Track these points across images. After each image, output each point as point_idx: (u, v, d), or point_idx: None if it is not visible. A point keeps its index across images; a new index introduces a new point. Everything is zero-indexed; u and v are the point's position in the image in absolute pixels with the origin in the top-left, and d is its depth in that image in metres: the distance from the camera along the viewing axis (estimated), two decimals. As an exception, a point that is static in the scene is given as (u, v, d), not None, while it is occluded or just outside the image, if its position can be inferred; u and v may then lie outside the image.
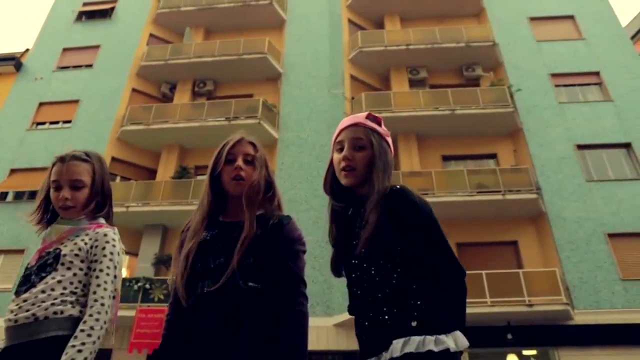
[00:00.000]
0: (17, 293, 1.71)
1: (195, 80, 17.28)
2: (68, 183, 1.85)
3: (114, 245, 1.81)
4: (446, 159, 15.28)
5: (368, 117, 1.73)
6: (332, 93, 15.82)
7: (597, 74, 15.97)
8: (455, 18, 18.45)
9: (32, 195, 15.42)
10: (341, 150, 1.69)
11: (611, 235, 12.94)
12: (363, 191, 1.66)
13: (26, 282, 1.72)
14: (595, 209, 13.36)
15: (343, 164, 1.67)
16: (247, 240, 1.61)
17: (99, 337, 1.60)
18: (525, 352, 12.51)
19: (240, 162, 1.74)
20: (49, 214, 1.90)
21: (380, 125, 1.73)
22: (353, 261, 1.61)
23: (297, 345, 1.50)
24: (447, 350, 1.36)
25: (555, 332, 11.80)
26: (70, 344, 1.56)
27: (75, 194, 1.85)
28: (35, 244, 12.67)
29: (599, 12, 17.55)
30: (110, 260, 1.77)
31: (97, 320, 1.62)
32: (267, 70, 17.04)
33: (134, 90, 17.06)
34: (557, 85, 15.83)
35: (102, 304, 1.67)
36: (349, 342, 12.21)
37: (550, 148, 14.49)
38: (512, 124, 15.07)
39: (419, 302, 1.44)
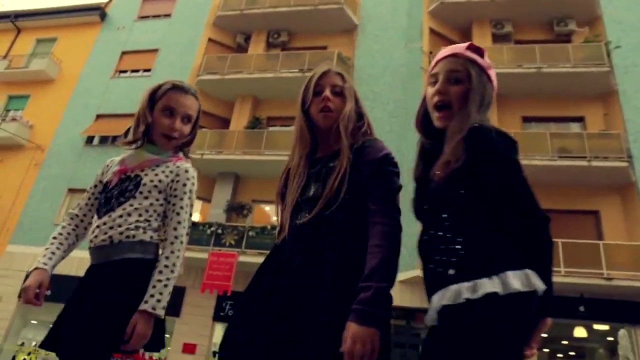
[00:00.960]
0: (98, 214, 1.82)
1: (269, 30, 17.19)
2: (182, 114, 1.87)
3: (193, 183, 1.86)
4: (527, 120, 14.38)
5: (469, 47, 1.54)
6: (409, 47, 15.20)
7: None
8: (549, -34, 16.85)
9: (116, 139, 16.37)
10: (435, 83, 1.53)
11: None
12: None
13: (106, 204, 1.81)
14: (695, 181, 12.20)
15: (436, 98, 1.51)
16: (340, 170, 1.54)
17: (177, 273, 1.71)
18: (597, 327, 12.02)
19: (327, 92, 1.66)
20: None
21: (482, 56, 1.53)
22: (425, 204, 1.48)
23: (376, 268, 1.37)
24: (494, 294, 1.14)
25: (635, 308, 11.16)
26: (156, 277, 1.66)
27: (183, 127, 1.89)
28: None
29: None
30: (189, 198, 1.84)
31: (177, 257, 1.72)
32: (342, 22, 16.60)
33: (210, 40, 17.28)
34: (663, 43, 14.24)
35: (182, 242, 1.75)
36: (413, 299, 12.26)
37: (648, 113, 13.23)
38: (605, 85, 13.81)
39: (457, 247, 1.27)
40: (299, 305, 1.41)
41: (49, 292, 1.76)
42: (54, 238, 1.86)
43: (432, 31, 15.57)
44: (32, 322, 14.92)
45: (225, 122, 16.17)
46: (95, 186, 1.95)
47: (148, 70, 17.33)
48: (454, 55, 1.53)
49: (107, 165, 1.98)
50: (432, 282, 1.33)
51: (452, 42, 15.55)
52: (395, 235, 1.47)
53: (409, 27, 15.93)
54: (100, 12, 18.99)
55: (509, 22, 15.48)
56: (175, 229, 1.76)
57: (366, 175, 1.54)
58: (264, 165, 14.27)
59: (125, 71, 17.76)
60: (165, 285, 1.65)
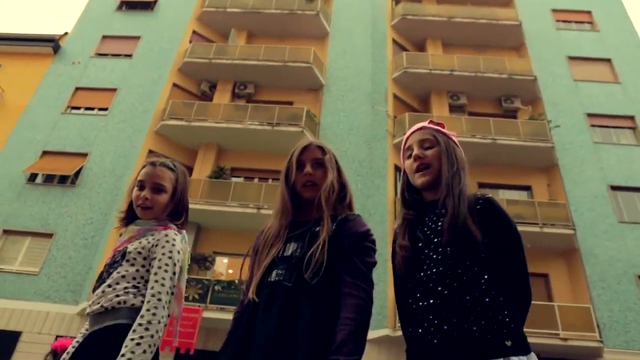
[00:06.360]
0: (94, 289, 1.91)
1: (236, 82, 17.29)
2: (151, 185, 1.98)
3: (173, 244, 1.87)
4: (482, 186, 15.40)
5: (430, 122, 1.81)
6: (376, 109, 15.95)
7: (631, 118, 16.37)
8: (495, 49, 18.78)
9: (63, 179, 15.21)
10: (411, 155, 1.73)
11: (641, 278, 13.21)
12: (434, 195, 1.66)
13: (99, 279, 1.91)
14: (626, 250, 13.62)
15: (416, 163, 1.70)
16: (324, 236, 1.60)
17: (157, 331, 1.65)
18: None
19: (309, 168, 1.76)
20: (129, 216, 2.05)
21: (443, 128, 1.79)
22: (434, 255, 1.56)
23: (345, 341, 1.43)
24: None
25: (584, 367, 11.95)
26: (129, 337, 1.63)
27: (155, 197, 1.97)
28: (64, 228, 12.32)
29: (635, 59, 18.03)
30: (170, 257, 1.84)
31: (154, 314, 1.68)
32: (309, 80, 17.13)
33: (174, 85, 17.00)
34: (592, 125, 16.18)
35: (159, 299, 1.73)
36: (380, 358, 12.21)
37: (585, 186, 14.77)
38: (548, 159, 15.34)
39: (507, 319, 1.42)
40: None
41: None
42: None
43: (395, 97, 16.54)
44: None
45: (187, 170, 15.68)
46: None
47: (105, 109, 16.56)
48: (421, 129, 1.77)
49: None
50: (473, 345, 1.42)
51: (411, 108, 16.70)
52: (368, 309, 1.54)
53: (373, 91, 16.78)
54: (54, 44, 18.08)
55: (463, 95, 16.89)
56: (152, 287, 1.77)
57: (346, 247, 1.61)
58: (228, 217, 13.95)
59: (78, 107, 16.82)
60: (138, 344, 1.60)
